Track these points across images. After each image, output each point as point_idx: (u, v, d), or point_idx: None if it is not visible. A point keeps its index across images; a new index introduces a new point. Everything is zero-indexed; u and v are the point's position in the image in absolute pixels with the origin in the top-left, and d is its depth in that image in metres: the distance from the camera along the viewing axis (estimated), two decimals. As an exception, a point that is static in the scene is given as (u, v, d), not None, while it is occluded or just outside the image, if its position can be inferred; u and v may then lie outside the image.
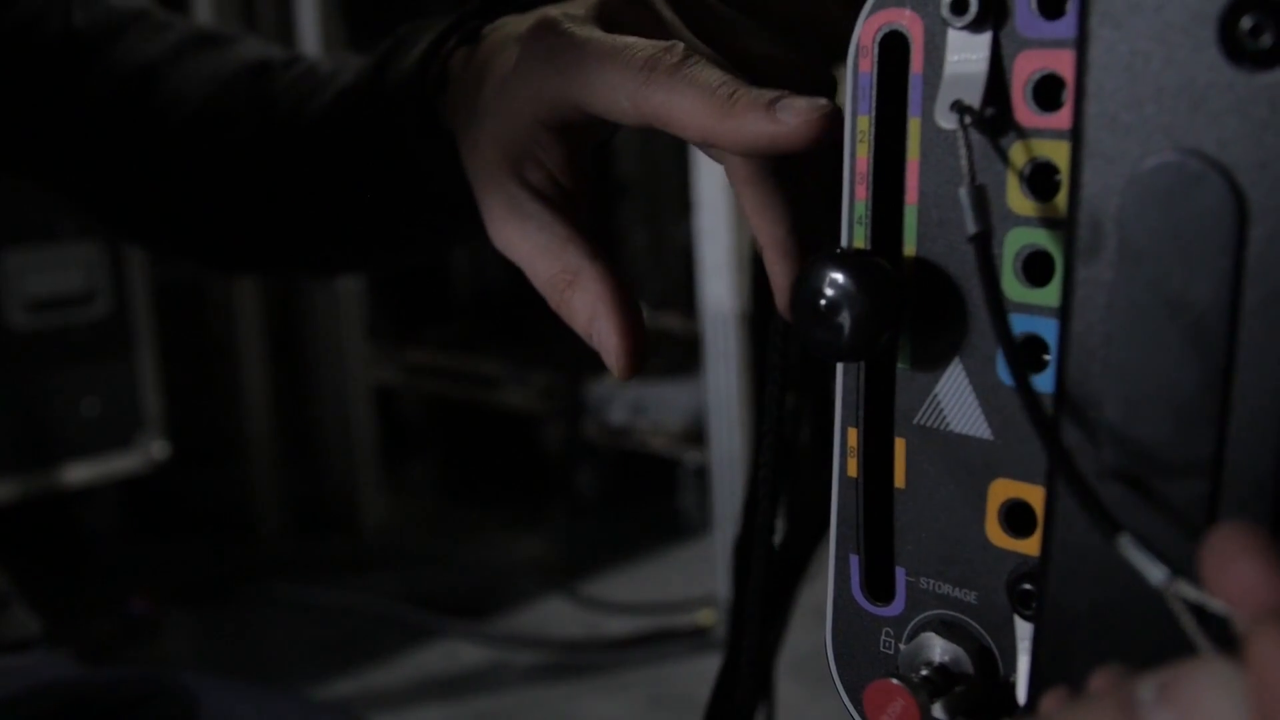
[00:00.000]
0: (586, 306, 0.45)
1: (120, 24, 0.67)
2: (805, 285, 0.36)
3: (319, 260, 0.74)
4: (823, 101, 0.39)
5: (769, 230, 0.45)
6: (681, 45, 0.42)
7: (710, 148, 0.44)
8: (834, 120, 0.39)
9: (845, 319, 0.36)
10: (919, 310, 0.37)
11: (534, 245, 0.46)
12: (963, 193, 0.33)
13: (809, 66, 0.45)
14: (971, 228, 0.32)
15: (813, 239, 0.45)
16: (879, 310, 0.36)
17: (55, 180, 0.71)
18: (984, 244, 0.32)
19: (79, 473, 2.45)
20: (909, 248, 0.37)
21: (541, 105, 0.44)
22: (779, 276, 0.45)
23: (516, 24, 0.50)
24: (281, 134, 0.64)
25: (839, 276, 0.36)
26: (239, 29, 0.72)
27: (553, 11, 0.45)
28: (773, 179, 0.44)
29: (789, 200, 0.44)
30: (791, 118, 0.39)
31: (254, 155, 0.65)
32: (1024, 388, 0.31)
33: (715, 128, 0.40)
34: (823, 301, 0.36)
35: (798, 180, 0.45)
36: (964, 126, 0.34)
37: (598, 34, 0.43)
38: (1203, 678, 0.24)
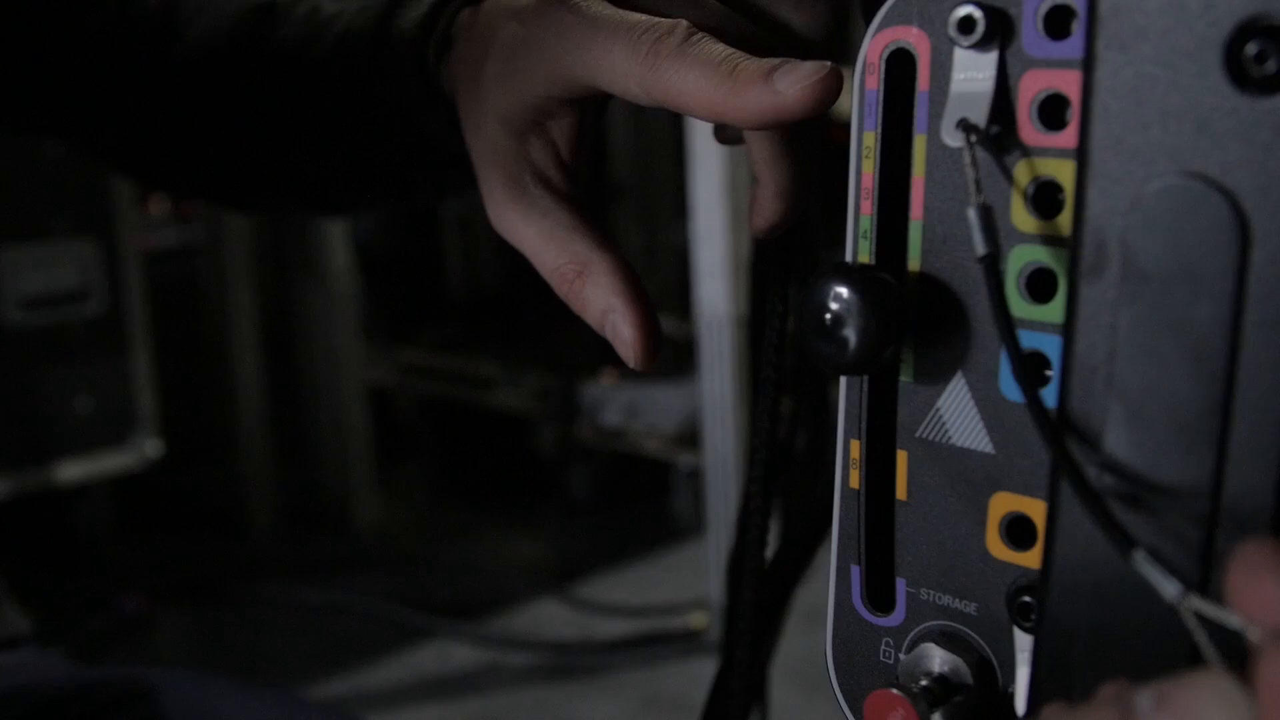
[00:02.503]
0: (600, 299, 0.44)
1: None
2: (810, 299, 0.37)
3: (323, 200, 0.72)
4: (821, 67, 0.39)
5: (775, 177, 0.45)
6: (684, 24, 0.41)
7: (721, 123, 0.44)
8: (832, 84, 0.38)
9: (850, 333, 0.36)
10: (923, 325, 0.37)
11: (539, 232, 0.45)
12: (971, 213, 0.33)
13: (817, 26, 0.45)
14: (980, 249, 0.33)
15: (809, 183, 0.45)
16: (883, 325, 0.36)
17: (62, 123, 0.69)
18: (993, 265, 0.33)
19: (72, 470, 2.45)
20: (913, 263, 0.37)
21: (550, 83, 0.44)
22: (769, 213, 0.46)
23: None
24: (287, 77, 0.62)
25: (844, 291, 0.36)
26: None
27: None
28: (784, 132, 0.44)
29: (795, 150, 0.45)
30: (790, 87, 0.38)
31: (260, 97, 0.63)
32: (1036, 406, 0.31)
33: (720, 106, 0.40)
34: (828, 315, 0.36)
35: (803, 130, 0.45)
36: (970, 145, 0.34)
37: (606, 10, 0.43)
38: (1201, 689, 0.24)
